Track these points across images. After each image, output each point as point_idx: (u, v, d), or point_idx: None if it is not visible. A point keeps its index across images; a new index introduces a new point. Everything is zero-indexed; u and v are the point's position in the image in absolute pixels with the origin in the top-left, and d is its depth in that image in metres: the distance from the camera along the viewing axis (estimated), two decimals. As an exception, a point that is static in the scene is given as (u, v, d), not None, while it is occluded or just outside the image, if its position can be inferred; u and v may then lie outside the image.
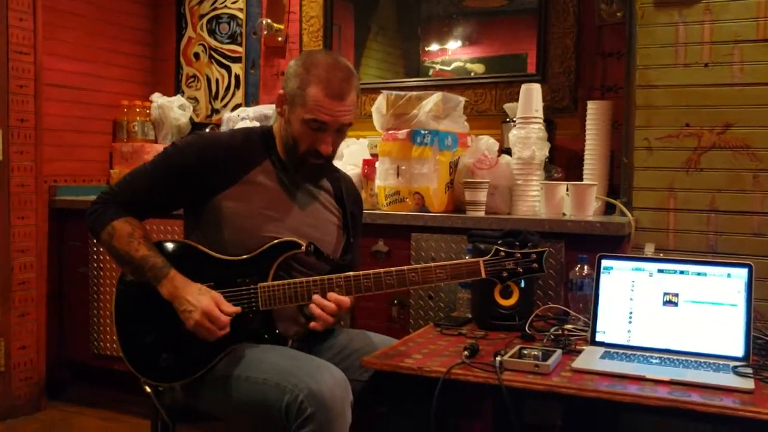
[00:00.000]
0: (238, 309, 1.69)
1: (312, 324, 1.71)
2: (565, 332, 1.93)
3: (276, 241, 1.75)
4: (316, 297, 1.69)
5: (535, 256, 1.71)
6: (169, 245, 1.79)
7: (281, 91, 1.78)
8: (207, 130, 3.52)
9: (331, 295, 1.69)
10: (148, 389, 1.80)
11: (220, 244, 1.76)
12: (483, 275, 1.70)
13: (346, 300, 1.71)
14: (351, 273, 1.72)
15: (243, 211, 1.76)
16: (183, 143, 1.83)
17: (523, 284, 2.00)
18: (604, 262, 1.87)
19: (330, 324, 1.71)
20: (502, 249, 1.71)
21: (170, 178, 1.78)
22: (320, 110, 1.70)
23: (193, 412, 1.80)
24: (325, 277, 1.72)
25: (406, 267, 1.70)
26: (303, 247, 1.75)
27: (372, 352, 1.77)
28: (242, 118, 3.32)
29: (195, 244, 1.79)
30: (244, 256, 1.75)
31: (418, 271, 1.70)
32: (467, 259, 1.86)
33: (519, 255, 1.70)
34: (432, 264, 1.71)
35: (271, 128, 1.87)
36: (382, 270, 1.71)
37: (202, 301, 1.65)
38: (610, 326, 1.82)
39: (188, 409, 1.80)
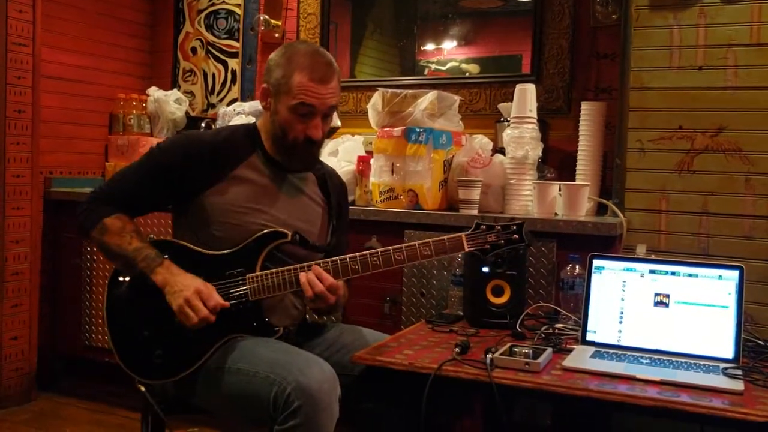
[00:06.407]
0: (226, 303, 1.69)
1: (309, 304, 1.74)
2: (556, 331, 1.93)
3: (261, 232, 1.76)
4: (309, 274, 1.70)
5: (515, 227, 1.76)
6: (156, 243, 1.79)
7: (264, 85, 1.81)
8: (202, 124, 3.53)
9: (324, 276, 1.70)
10: (142, 388, 1.78)
11: (209, 240, 1.77)
12: (466, 249, 1.75)
13: (336, 283, 1.71)
14: (338, 257, 1.74)
15: (230, 206, 1.77)
16: (168, 142, 1.86)
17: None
18: (596, 262, 1.88)
19: (323, 305, 1.72)
20: (482, 223, 1.77)
21: (156, 177, 1.79)
22: (307, 94, 1.73)
23: (185, 404, 1.80)
24: (312, 262, 1.73)
25: (391, 247, 1.74)
26: (288, 236, 1.77)
27: (362, 347, 1.78)
28: (238, 112, 3.32)
29: (181, 241, 1.80)
30: (231, 249, 1.76)
31: (403, 250, 1.73)
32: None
33: (499, 228, 1.76)
34: (416, 242, 1.74)
35: (255, 125, 1.89)
36: (368, 251, 1.74)
37: (195, 282, 1.67)
38: (600, 326, 1.83)
39: (180, 401, 1.80)
